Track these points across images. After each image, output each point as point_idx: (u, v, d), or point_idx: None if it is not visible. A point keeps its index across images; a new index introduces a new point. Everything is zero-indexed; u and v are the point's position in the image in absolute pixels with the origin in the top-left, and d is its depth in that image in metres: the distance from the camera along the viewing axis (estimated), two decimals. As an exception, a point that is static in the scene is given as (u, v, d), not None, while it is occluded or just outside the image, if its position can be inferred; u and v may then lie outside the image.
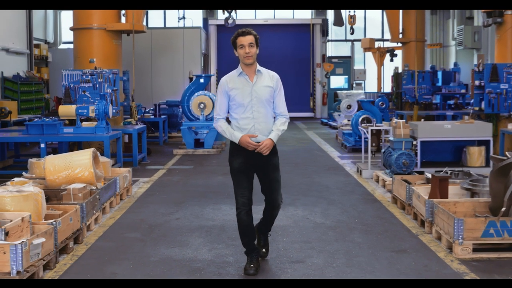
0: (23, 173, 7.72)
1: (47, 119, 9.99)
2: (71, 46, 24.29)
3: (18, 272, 4.39)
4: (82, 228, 5.90)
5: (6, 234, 4.57)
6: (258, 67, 4.93)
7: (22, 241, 4.45)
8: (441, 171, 7.41)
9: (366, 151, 10.27)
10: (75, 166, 6.95)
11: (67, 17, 25.31)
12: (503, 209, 5.47)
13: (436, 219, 5.88)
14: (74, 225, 5.67)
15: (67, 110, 9.95)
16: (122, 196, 7.93)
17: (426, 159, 9.95)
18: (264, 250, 5.29)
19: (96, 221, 6.57)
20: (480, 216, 5.70)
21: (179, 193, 8.45)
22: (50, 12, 23.16)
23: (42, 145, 9.45)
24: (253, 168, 4.89)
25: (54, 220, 5.22)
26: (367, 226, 6.49)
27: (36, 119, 10.29)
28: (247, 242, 4.93)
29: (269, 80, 4.93)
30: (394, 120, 9.43)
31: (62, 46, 24.35)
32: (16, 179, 6.80)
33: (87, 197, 6.41)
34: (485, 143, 9.79)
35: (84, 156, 7.03)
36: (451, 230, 5.38)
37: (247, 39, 4.82)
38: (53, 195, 6.59)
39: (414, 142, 9.37)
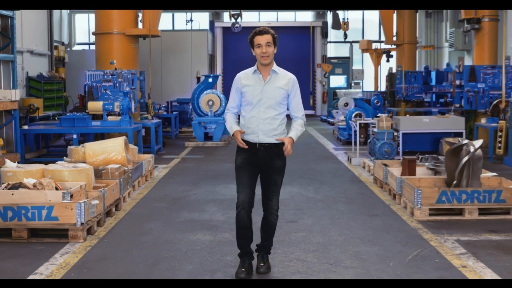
0: (64, 158, 9.20)
1: (78, 114, 11.49)
2: (85, 47, 25.93)
3: (81, 224, 5.87)
4: (121, 198, 7.39)
5: (71, 196, 6.05)
6: (275, 67, 4.79)
7: (84, 201, 5.93)
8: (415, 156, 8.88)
9: (356, 143, 11.72)
10: (110, 151, 8.43)
11: (81, 19, 26.86)
12: (455, 182, 6.96)
13: (404, 192, 7.35)
14: (115, 195, 7.16)
15: (95, 106, 11.46)
16: (147, 177, 9.41)
17: (409, 149, 11.43)
18: (262, 263, 4.93)
19: (128, 195, 8.06)
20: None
21: (194, 176, 9.95)
22: (65, 15, 24.64)
23: (75, 136, 10.98)
24: (256, 166, 4.79)
25: (102, 188, 6.71)
26: (350, 199, 7.97)
27: (68, 113, 11.78)
28: (242, 244, 4.83)
29: (283, 81, 4.78)
30: (379, 114, 10.90)
31: (76, 47, 25.84)
32: (58, 162, 8.25)
33: (122, 175, 7.88)
34: (460, 135, 11.24)
35: (117, 143, 8.52)
36: (413, 198, 6.84)
37: (265, 38, 4.68)
38: (93, 174, 8.06)
39: (396, 134, 10.83)
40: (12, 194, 6.02)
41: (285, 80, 4.80)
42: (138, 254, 5.52)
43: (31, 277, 4.88)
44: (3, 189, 6.15)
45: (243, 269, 4.79)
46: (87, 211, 5.98)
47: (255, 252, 4.98)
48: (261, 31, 4.73)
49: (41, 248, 5.68)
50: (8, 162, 7.11)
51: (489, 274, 4.87)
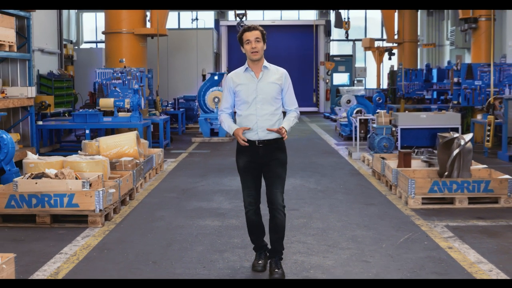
0: (79, 151, 9.71)
1: (90, 110, 12.01)
2: (93, 45, 26.44)
3: (100, 210, 6.38)
4: (134, 188, 7.90)
5: (90, 185, 6.56)
6: (265, 63, 4.82)
7: (102, 189, 6.44)
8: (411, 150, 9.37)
9: (356, 138, 12.20)
10: (123, 145, 8.95)
11: (88, 18, 27.39)
12: (446, 173, 7.45)
13: (399, 182, 7.84)
14: (129, 185, 7.67)
15: (106, 102, 11.98)
16: (157, 170, 9.93)
17: (407, 144, 11.89)
18: (277, 269, 4.78)
19: (141, 186, 8.57)
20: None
21: (201, 169, 10.46)
22: (73, 14, 25.15)
23: (87, 131, 11.49)
24: (259, 166, 4.82)
25: (117, 178, 7.22)
26: (349, 190, 8.47)
27: (80, 110, 12.31)
28: (255, 239, 4.98)
29: (276, 76, 4.81)
30: (378, 110, 11.39)
31: (83, 46, 26.37)
32: (74, 155, 8.77)
33: (134, 167, 8.39)
34: (456, 130, 11.70)
35: (130, 137, 9.03)
36: (407, 188, 7.33)
37: (253, 34, 4.72)
38: (107, 166, 8.57)
39: (393, 129, 11.32)
40: (36, 183, 6.54)
41: (277, 75, 4.84)
42: (153, 237, 6.04)
43: (57, 256, 5.39)
44: (27, 179, 6.67)
45: (260, 262, 4.95)
46: (105, 198, 6.49)
47: (267, 258, 4.97)
48: (250, 27, 4.77)
49: (64, 232, 6.20)
50: (29, 154, 7.63)
51: (472, 254, 5.36)
